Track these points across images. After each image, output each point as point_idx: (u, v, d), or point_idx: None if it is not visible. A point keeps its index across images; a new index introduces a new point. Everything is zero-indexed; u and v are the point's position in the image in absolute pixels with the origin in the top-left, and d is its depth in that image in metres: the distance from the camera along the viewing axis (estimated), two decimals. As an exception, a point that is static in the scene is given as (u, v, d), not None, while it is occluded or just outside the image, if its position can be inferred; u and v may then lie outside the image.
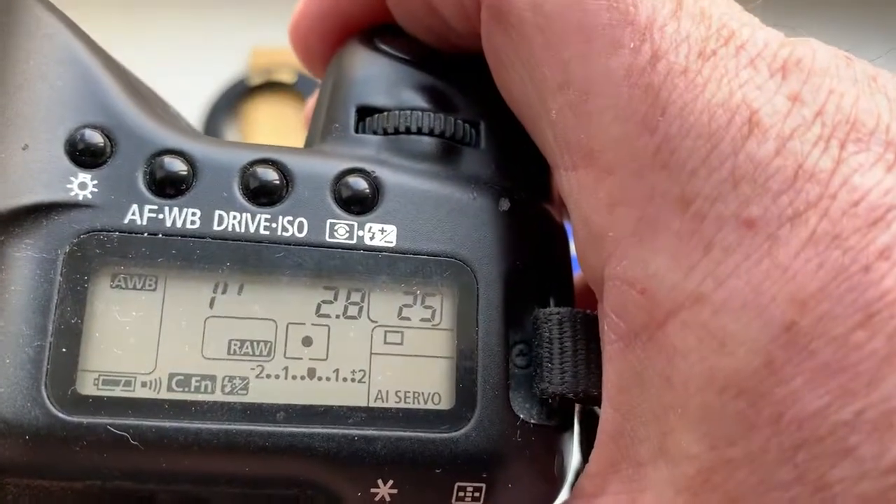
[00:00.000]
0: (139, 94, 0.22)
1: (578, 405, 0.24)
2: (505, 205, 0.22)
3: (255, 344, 0.20)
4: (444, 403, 0.21)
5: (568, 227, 0.23)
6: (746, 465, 0.16)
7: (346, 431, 0.20)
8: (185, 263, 0.20)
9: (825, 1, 0.85)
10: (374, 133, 0.23)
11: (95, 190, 0.20)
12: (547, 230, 0.24)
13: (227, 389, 0.20)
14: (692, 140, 0.18)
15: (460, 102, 0.24)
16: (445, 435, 0.20)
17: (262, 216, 0.21)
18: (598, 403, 0.20)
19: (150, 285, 0.20)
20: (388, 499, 0.20)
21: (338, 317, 0.21)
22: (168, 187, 0.20)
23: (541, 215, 0.24)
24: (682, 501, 0.17)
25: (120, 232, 0.20)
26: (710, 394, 0.17)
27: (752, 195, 0.17)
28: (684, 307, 0.17)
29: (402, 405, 0.20)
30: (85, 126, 0.20)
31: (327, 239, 0.21)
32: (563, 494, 0.22)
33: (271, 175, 0.21)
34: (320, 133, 0.24)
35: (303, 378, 0.20)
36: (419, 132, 0.23)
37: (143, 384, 0.19)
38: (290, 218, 0.21)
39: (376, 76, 0.24)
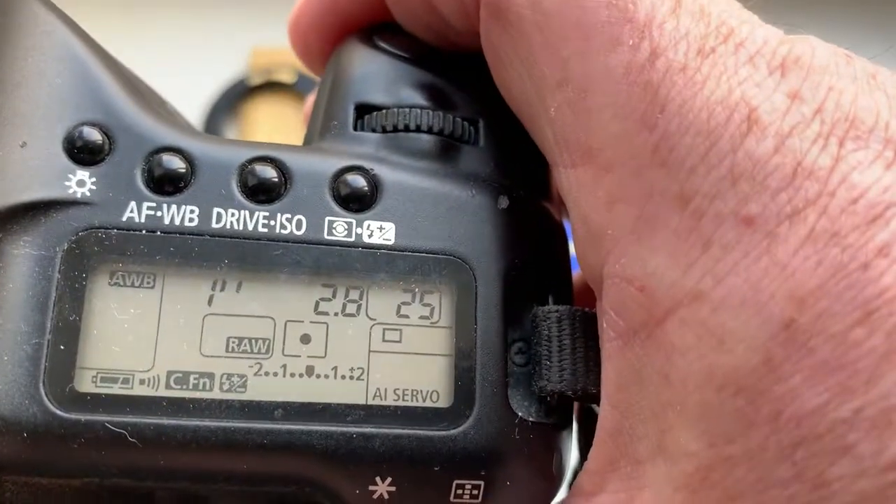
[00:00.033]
0: (137, 91, 0.22)
1: (577, 403, 0.24)
2: (504, 203, 0.22)
3: (253, 341, 0.20)
4: (443, 401, 0.21)
5: (567, 225, 0.23)
6: (745, 462, 0.16)
7: (344, 429, 0.20)
8: (184, 261, 0.20)
9: (825, -1, 0.85)
10: (373, 131, 0.23)
11: (94, 187, 0.20)
12: (546, 228, 0.24)
13: (226, 387, 0.20)
14: (691, 137, 0.18)
15: (459, 100, 0.24)
16: (444, 433, 0.20)
17: (261, 214, 0.21)
18: (597, 401, 0.20)
19: (148, 283, 0.20)
20: (386, 496, 0.20)
21: (336, 314, 0.21)
22: (166, 185, 0.20)
23: (539, 213, 0.24)
24: (680, 499, 0.17)
25: (118, 229, 0.20)
26: (708, 391, 0.17)
27: (751, 192, 0.17)
28: (683, 304, 0.17)
29: (400, 403, 0.20)
30: (83, 123, 0.20)
31: (326, 236, 0.21)
32: (562, 492, 0.22)
33: (270, 173, 0.21)
34: (319, 131, 0.24)
35: (301, 375, 0.20)
36: (418, 130, 0.23)
37: (142, 381, 0.19)
38: (289, 215, 0.21)
39: (375, 74, 0.24)
